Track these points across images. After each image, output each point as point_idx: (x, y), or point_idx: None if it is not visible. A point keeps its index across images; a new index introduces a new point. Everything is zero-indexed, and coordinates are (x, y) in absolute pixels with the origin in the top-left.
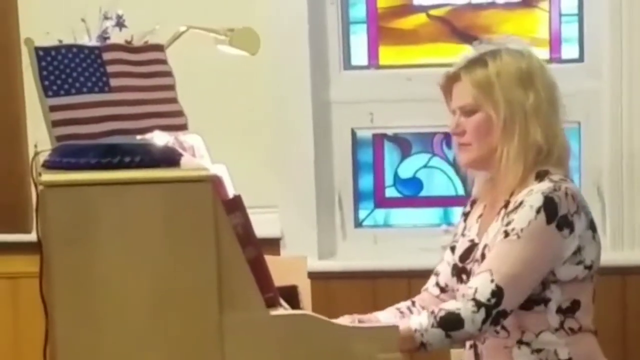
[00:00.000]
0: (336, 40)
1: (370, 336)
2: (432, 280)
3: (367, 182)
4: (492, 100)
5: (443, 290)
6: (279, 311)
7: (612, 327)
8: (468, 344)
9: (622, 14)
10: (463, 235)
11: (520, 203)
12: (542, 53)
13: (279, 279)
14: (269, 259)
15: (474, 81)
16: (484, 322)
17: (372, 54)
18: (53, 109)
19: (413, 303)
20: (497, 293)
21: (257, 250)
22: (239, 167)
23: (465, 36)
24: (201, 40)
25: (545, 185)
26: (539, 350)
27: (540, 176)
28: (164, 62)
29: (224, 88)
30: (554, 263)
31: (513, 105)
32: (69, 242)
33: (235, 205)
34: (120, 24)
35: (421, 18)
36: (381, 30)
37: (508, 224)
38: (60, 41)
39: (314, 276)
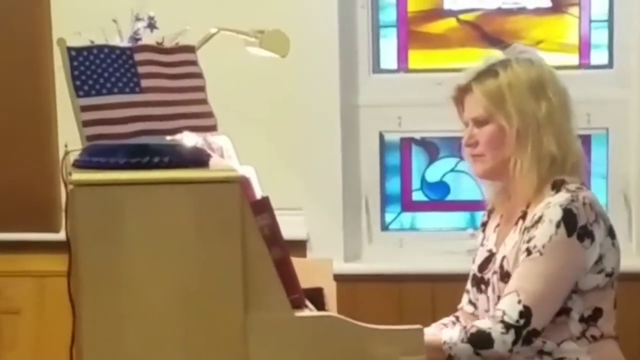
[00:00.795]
0: (366, 44)
1: (394, 338)
2: (465, 298)
3: (394, 185)
4: (505, 111)
5: (476, 306)
6: (304, 312)
7: (636, 332)
8: None
9: None
10: (482, 245)
11: (540, 218)
12: (571, 59)
13: (305, 281)
14: (295, 260)
15: (485, 92)
16: (514, 343)
17: (402, 57)
18: (84, 109)
19: (457, 318)
20: (525, 313)
21: (284, 251)
22: (267, 169)
23: (495, 41)
24: (231, 42)
25: (563, 196)
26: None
27: (557, 186)
28: (194, 63)
29: (253, 90)
30: (579, 275)
31: (526, 116)
32: (97, 241)
33: (262, 207)
34: (151, 25)
35: (451, 22)
36: (411, 34)
37: (529, 240)
38: (92, 42)
39: (339, 279)
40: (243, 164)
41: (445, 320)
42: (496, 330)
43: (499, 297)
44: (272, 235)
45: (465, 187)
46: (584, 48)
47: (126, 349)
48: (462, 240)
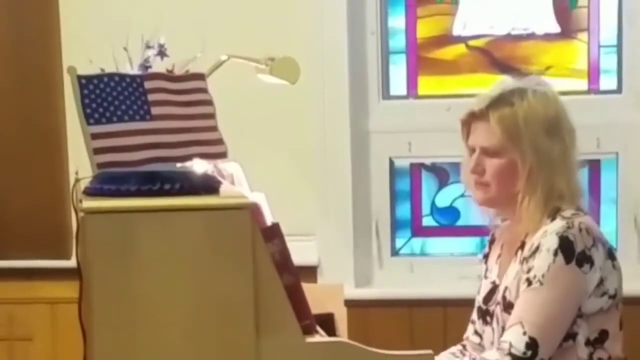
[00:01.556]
0: (375, 70)
1: None
2: (470, 328)
3: (404, 210)
4: (520, 148)
5: (482, 337)
6: (315, 338)
7: None
8: None
9: None
10: (485, 277)
11: (537, 247)
12: (580, 84)
13: (316, 306)
14: (305, 286)
15: (501, 125)
16: None
17: (411, 84)
18: (94, 136)
19: (464, 347)
20: (532, 345)
21: (295, 277)
22: (278, 195)
23: (505, 67)
24: (242, 69)
25: (558, 224)
26: None
27: (552, 214)
28: (204, 90)
29: (263, 117)
30: (581, 300)
31: (540, 155)
32: (108, 268)
33: (273, 233)
34: (161, 52)
35: (460, 48)
36: (420, 61)
37: (529, 270)
38: (103, 69)
39: (350, 304)
40: (254, 190)
41: (453, 349)
42: None
43: (503, 328)
44: (282, 261)
45: (475, 213)
46: (593, 73)
47: None
48: (473, 265)
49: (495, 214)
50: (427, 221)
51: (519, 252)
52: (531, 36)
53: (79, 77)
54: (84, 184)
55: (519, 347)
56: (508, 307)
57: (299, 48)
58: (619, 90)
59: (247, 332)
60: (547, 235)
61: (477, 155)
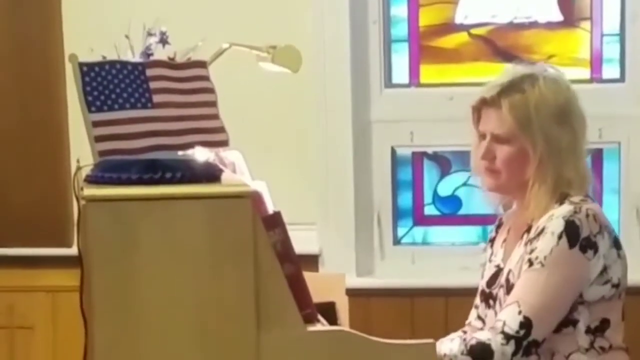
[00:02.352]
0: (377, 59)
1: (407, 352)
2: (473, 313)
3: (406, 200)
4: (530, 135)
5: (484, 322)
6: (317, 327)
7: None
8: None
9: None
10: (490, 261)
11: (542, 230)
12: (583, 73)
13: (317, 296)
14: (307, 275)
15: (512, 112)
16: (514, 354)
17: (414, 72)
18: (96, 124)
19: (465, 333)
20: (526, 324)
21: (296, 266)
22: (279, 184)
23: (507, 55)
24: (243, 57)
25: (566, 209)
26: None
27: (560, 199)
28: (206, 78)
29: (265, 105)
30: (582, 286)
31: (550, 143)
32: (109, 257)
33: (274, 222)
34: (163, 40)
35: (463, 37)
36: (423, 49)
37: (531, 251)
38: (104, 57)
39: (352, 293)
40: (255, 178)
41: (453, 335)
42: (496, 342)
43: None
44: (284, 250)
45: (477, 201)
46: (596, 62)
47: None
48: (475, 254)
49: (500, 202)
50: (429, 210)
51: (525, 236)
52: (534, 25)
53: (81, 65)
54: (85, 172)
55: (513, 325)
56: (511, 289)
57: (300, 36)
58: (621, 79)
59: (248, 320)
60: (554, 218)
61: (488, 142)
